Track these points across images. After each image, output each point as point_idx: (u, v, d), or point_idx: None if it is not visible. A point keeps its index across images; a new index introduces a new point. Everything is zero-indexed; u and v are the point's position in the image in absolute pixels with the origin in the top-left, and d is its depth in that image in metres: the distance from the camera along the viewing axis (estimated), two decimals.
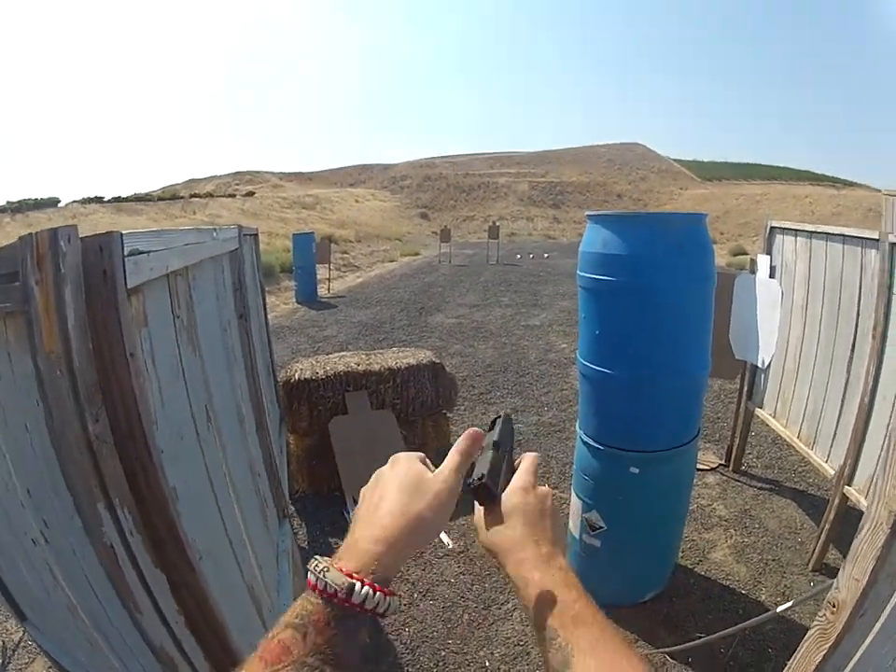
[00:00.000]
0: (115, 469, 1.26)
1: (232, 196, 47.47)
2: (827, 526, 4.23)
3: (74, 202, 36.70)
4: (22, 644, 3.63)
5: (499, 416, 1.01)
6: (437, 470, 0.83)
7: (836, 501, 4.12)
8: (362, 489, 0.85)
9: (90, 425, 1.22)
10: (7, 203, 31.72)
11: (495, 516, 0.85)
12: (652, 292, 3.40)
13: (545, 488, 0.91)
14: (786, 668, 1.91)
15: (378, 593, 0.68)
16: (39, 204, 32.82)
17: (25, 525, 1.61)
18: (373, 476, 0.86)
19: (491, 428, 0.97)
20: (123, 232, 1.32)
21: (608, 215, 3.66)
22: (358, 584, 0.67)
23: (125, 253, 1.31)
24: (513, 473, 0.91)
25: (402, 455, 0.87)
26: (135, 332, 1.43)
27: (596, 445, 3.78)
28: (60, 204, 35.09)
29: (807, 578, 4.35)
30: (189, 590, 1.43)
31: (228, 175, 73.09)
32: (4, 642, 3.65)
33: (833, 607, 1.63)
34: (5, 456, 1.53)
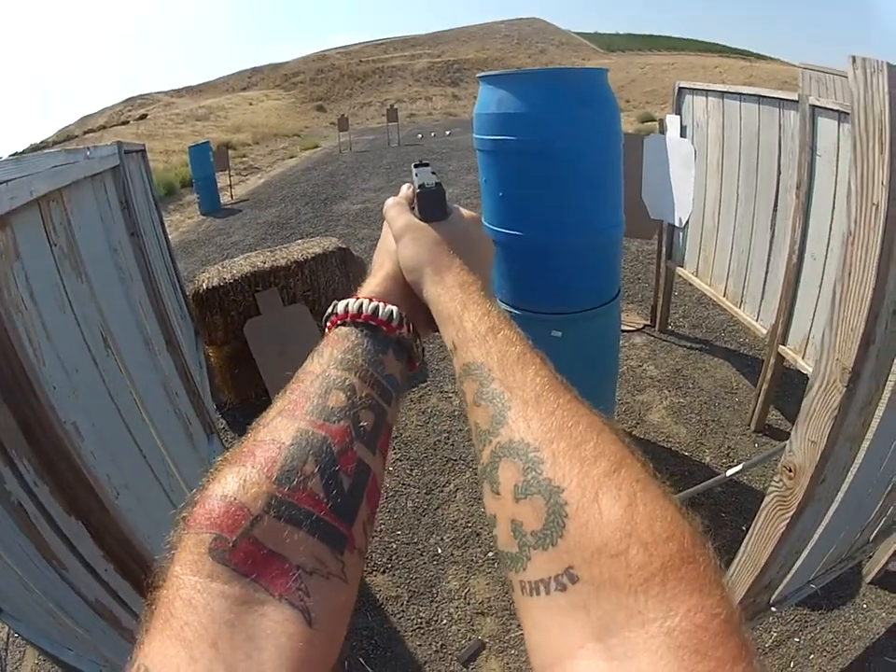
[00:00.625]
0: (4, 418, 1.17)
1: (126, 123, 45.34)
2: (765, 386, 4.31)
3: None
4: (11, 640, 3.52)
5: (416, 164, 0.99)
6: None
7: (772, 361, 4.20)
8: None
9: None
10: None
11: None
12: (555, 150, 3.29)
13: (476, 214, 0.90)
14: (747, 537, 1.93)
15: (389, 306, 0.71)
16: None
17: None
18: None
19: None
20: None
21: (501, 73, 3.55)
22: (364, 300, 0.71)
23: None
24: None
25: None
26: (5, 267, 1.31)
27: (514, 311, 3.69)
28: None
29: (750, 438, 4.42)
30: (109, 532, 1.35)
31: (119, 103, 69.55)
32: (1, 645, 3.54)
33: (790, 471, 1.63)
34: None
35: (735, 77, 43.60)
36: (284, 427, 0.54)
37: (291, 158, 26.30)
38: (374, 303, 0.70)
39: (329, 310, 0.72)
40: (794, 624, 3.05)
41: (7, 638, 3.48)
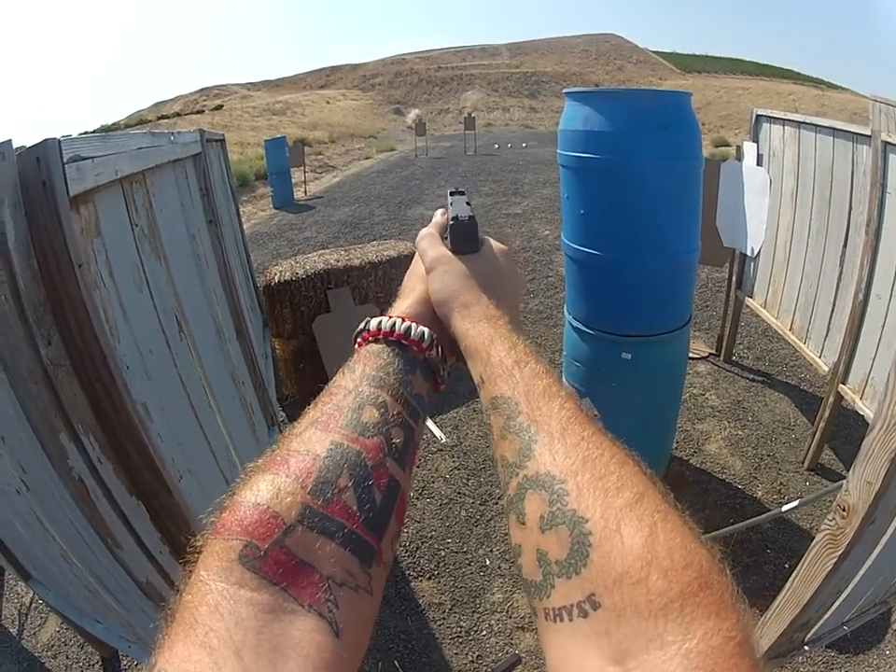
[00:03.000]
0: (74, 393, 1.17)
1: (201, 112, 46.06)
2: (822, 425, 4.18)
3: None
4: (34, 605, 3.60)
5: (452, 191, 1.00)
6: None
7: (831, 399, 4.07)
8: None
9: (42, 348, 1.12)
10: None
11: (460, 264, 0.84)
12: (636, 170, 3.28)
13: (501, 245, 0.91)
14: (794, 573, 1.89)
15: (420, 327, 0.72)
16: None
17: (7, 476, 1.52)
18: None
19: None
20: (61, 138, 1.19)
21: (589, 91, 3.53)
22: (398, 320, 0.72)
23: (65, 160, 1.19)
24: None
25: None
26: (86, 243, 1.31)
27: (586, 330, 3.69)
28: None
29: (803, 477, 4.32)
30: (170, 515, 1.35)
31: (194, 92, 70.48)
32: (18, 608, 3.61)
33: (844, 511, 1.59)
34: None
35: (807, 106, 42.76)
36: (318, 439, 0.55)
37: (367, 159, 26.49)
38: (407, 324, 0.72)
39: (361, 326, 0.74)
40: (821, 665, 3.00)
41: (30, 604, 3.55)
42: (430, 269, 0.82)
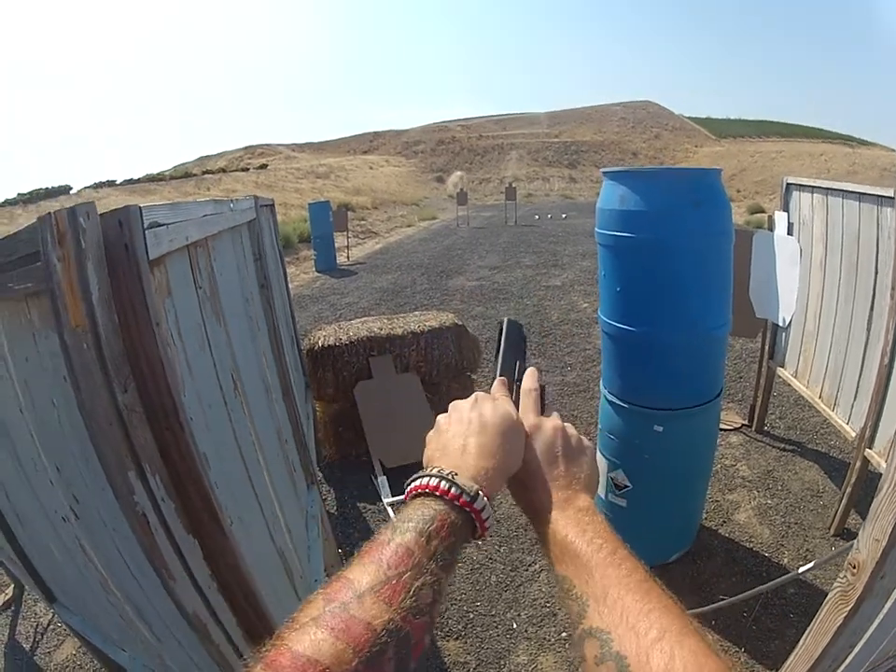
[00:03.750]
0: (145, 437, 1.28)
1: (245, 170, 47.15)
2: (849, 490, 4.21)
3: (85, 188, 36.54)
4: (51, 626, 3.69)
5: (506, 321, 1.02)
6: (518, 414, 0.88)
7: (857, 464, 4.09)
8: (438, 417, 0.90)
9: (118, 395, 1.23)
10: (19, 194, 31.15)
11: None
12: (670, 248, 3.39)
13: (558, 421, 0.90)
14: (807, 630, 1.93)
15: (489, 504, 0.72)
16: (51, 193, 32.19)
17: (56, 503, 1.65)
18: (451, 408, 0.90)
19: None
20: (142, 206, 1.33)
21: (623, 171, 3.64)
22: (481, 491, 0.72)
23: (145, 226, 1.32)
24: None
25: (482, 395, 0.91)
26: (159, 303, 1.44)
27: (620, 403, 3.79)
28: (72, 192, 34.62)
29: (829, 542, 4.33)
30: (222, 556, 1.45)
31: (239, 149, 72.33)
32: (35, 627, 3.71)
33: (854, 568, 1.65)
34: (33, 437, 1.56)
35: (839, 165, 42.55)
36: (379, 614, 0.57)
37: (409, 226, 26.83)
38: (485, 500, 0.72)
39: (434, 478, 0.72)
40: None
41: (48, 625, 3.64)
42: (532, 433, 0.86)
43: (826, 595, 1.71)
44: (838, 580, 1.73)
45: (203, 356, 1.80)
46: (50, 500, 1.65)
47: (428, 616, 0.61)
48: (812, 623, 1.88)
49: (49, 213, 1.13)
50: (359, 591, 0.58)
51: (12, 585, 3.92)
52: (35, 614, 3.80)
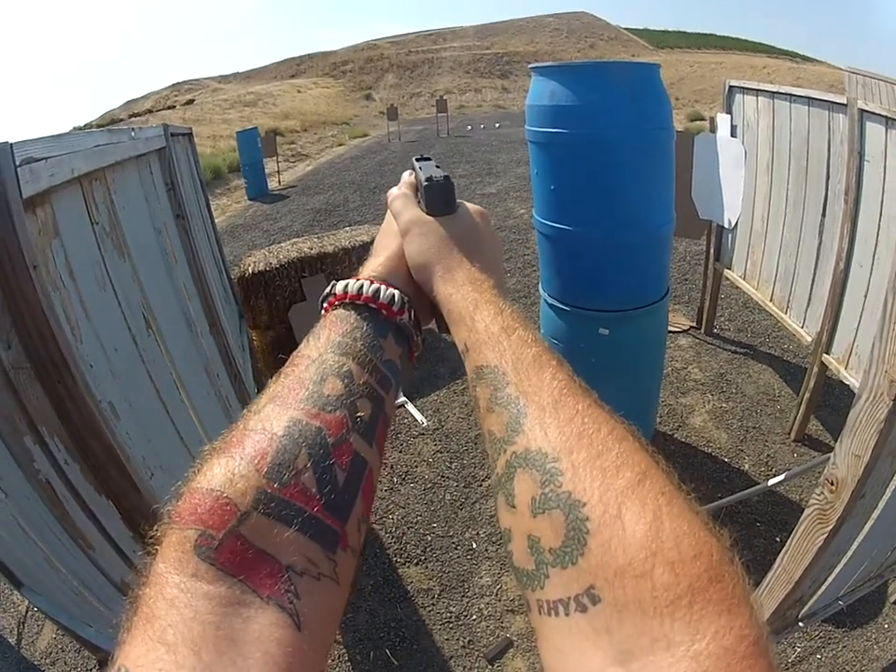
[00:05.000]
0: (37, 396, 1.16)
1: (172, 107, 45.75)
2: (807, 395, 4.22)
3: None
4: (30, 614, 3.57)
5: (418, 157, 0.95)
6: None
7: (815, 370, 4.11)
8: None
9: (2, 353, 1.11)
10: None
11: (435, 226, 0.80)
12: (606, 144, 3.27)
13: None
14: (784, 550, 1.88)
15: (390, 289, 0.69)
16: None
17: None
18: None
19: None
20: (13, 142, 1.18)
21: (555, 65, 3.50)
22: (367, 281, 0.69)
23: (17, 163, 1.17)
24: None
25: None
26: (44, 244, 1.30)
27: (562, 306, 3.71)
28: None
29: (790, 448, 4.34)
30: (141, 514, 1.34)
31: (165, 88, 69.71)
32: (17, 618, 3.60)
33: (832, 485, 1.58)
34: None
35: (782, 79, 42.79)
36: (276, 416, 0.51)
37: (340, 146, 26.35)
38: (375, 286, 0.69)
39: (328, 290, 0.71)
40: (818, 641, 3.03)
41: (26, 612, 3.54)
42: (406, 231, 0.78)
43: (794, 504, 1.66)
44: (814, 496, 1.67)
45: (103, 295, 1.65)
46: None
47: (344, 409, 0.54)
48: (788, 543, 1.85)
49: None
50: (259, 408, 0.53)
51: None
52: (14, 603, 3.66)
